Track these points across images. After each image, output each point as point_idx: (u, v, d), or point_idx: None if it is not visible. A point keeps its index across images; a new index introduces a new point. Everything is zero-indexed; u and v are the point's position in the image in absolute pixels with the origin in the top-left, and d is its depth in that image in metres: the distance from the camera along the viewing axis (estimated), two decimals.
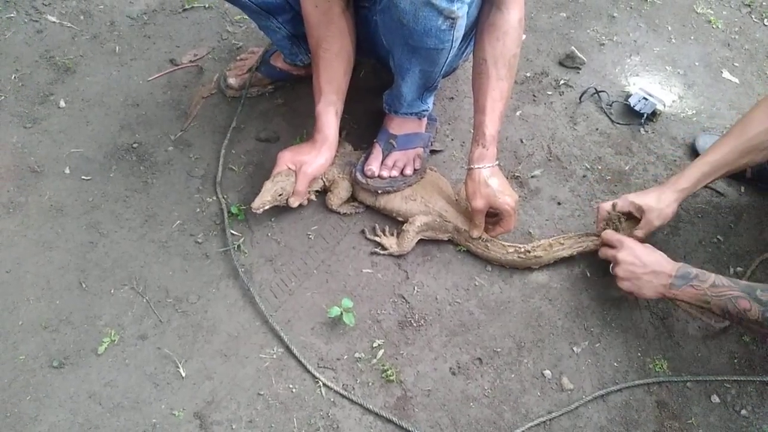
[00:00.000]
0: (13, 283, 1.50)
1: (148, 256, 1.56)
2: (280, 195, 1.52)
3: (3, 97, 1.82)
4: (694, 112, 1.95)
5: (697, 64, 2.09)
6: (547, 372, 1.45)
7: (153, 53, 1.98)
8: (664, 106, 1.93)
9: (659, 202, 1.47)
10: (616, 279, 1.44)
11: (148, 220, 1.62)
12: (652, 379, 1.45)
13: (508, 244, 1.56)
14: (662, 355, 1.49)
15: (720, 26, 2.22)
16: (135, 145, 1.75)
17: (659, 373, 1.46)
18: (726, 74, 2.08)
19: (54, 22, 2.03)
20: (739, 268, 1.62)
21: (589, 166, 1.80)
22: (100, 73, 1.92)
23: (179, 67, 1.95)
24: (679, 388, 1.45)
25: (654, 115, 1.91)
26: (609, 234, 1.50)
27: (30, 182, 1.67)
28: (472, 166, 1.47)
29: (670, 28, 2.19)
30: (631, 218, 1.53)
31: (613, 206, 1.53)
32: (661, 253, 1.42)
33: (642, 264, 1.39)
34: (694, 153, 1.82)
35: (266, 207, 1.52)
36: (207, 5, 2.11)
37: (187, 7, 2.10)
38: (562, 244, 1.56)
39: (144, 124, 1.80)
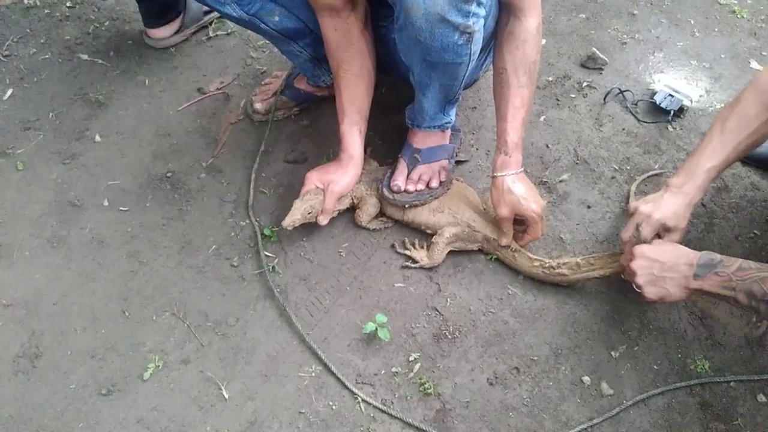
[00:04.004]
0: (60, 314, 1.56)
1: (186, 282, 1.61)
2: (309, 213, 1.56)
3: (42, 136, 1.90)
4: (722, 105, 1.92)
5: (723, 56, 2.06)
6: (586, 378, 1.45)
7: (181, 83, 2.04)
8: (691, 101, 1.90)
9: (683, 221, 1.38)
10: (641, 294, 1.35)
11: (185, 247, 1.67)
12: (694, 380, 1.42)
13: (535, 257, 1.54)
14: (703, 356, 1.46)
15: (745, 16, 2.18)
16: (168, 175, 1.81)
17: (701, 374, 1.44)
18: (754, 64, 2.04)
19: (86, 59, 2.11)
20: None
21: (617, 167, 1.79)
22: (131, 106, 1.99)
23: (207, 95, 2.00)
24: (723, 389, 1.42)
25: (681, 111, 1.88)
26: (624, 258, 1.42)
27: (71, 216, 1.74)
28: (495, 174, 1.48)
29: (692, 22, 2.16)
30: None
31: (639, 230, 1.40)
32: (677, 244, 1.35)
33: (659, 262, 1.31)
34: None
35: (296, 224, 1.55)
36: (229, 31, 2.17)
37: (211, 35, 2.16)
38: (592, 264, 1.50)
39: (176, 153, 1.86)
